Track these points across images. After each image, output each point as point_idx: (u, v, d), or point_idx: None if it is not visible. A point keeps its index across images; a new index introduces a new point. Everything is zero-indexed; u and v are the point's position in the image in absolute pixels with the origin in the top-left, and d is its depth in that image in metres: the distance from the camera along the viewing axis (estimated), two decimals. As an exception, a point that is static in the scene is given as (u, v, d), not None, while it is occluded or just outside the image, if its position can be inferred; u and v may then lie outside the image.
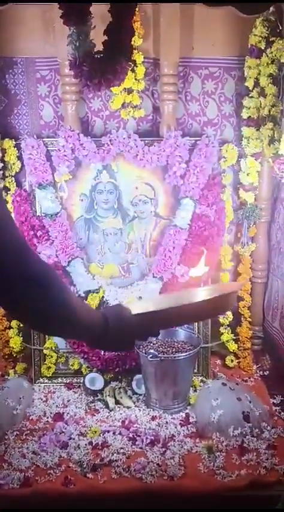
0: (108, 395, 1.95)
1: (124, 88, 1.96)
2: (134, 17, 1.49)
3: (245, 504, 1.52)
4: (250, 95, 1.94)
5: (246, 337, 2.19)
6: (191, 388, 1.99)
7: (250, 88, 1.93)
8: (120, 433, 1.75)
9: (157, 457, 1.63)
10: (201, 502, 1.51)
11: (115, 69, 1.09)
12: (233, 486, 1.53)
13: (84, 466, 1.59)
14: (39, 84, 2.05)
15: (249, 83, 1.93)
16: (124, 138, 1.98)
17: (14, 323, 2.14)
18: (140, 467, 1.58)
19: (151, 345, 1.96)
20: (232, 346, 2.18)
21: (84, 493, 1.51)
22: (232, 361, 2.18)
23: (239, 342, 2.19)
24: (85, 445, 1.69)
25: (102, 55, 1.13)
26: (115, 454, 1.64)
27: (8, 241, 0.85)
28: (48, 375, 2.09)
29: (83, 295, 2.02)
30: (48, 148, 2.01)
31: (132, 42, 1.25)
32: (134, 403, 1.94)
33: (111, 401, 1.93)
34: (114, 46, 1.09)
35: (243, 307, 2.19)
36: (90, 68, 1.09)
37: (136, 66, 1.94)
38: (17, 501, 1.50)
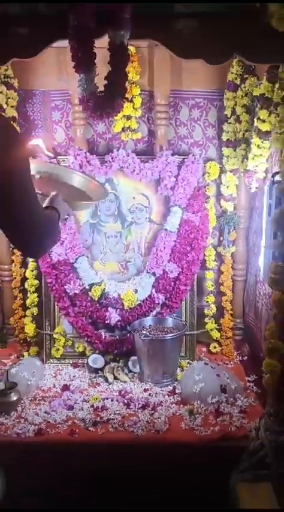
0: (108, 372, 2.30)
1: (124, 115, 2.35)
2: (130, 63, 1.88)
3: (217, 453, 1.85)
4: (228, 121, 2.32)
5: (228, 327, 2.54)
6: (179, 368, 2.34)
7: (228, 116, 2.31)
8: (117, 400, 2.10)
9: (147, 417, 1.98)
10: (180, 450, 1.85)
11: (113, 105, 1.48)
12: (208, 439, 1.87)
13: (87, 422, 1.94)
14: (54, 112, 2.46)
15: (227, 112, 2.31)
16: (123, 156, 2.37)
17: (28, 312, 2.51)
18: (132, 423, 1.93)
19: (145, 329, 2.31)
20: (216, 334, 2.53)
21: (86, 441, 1.86)
22: (215, 347, 2.52)
23: (222, 332, 2.53)
24: (88, 407, 2.04)
25: (103, 94, 1.53)
26: (112, 415, 1.99)
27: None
28: (57, 356, 2.44)
29: (88, 287, 2.38)
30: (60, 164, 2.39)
31: (127, 83, 1.63)
32: (130, 378, 2.28)
33: (110, 377, 2.27)
34: (112, 88, 1.49)
35: (225, 301, 2.54)
36: (94, 104, 1.48)
37: (134, 97, 2.35)
38: (31, 446, 1.85)
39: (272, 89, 1.76)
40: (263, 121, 1.85)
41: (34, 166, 1.75)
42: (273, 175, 1.72)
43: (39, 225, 1.27)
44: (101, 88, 1.54)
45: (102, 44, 1.53)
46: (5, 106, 2.28)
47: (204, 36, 1.51)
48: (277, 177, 1.66)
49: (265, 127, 1.85)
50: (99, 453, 1.85)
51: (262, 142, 1.91)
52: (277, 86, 1.70)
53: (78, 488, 1.82)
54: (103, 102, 1.50)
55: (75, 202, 1.71)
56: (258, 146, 1.94)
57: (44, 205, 1.49)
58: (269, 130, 1.84)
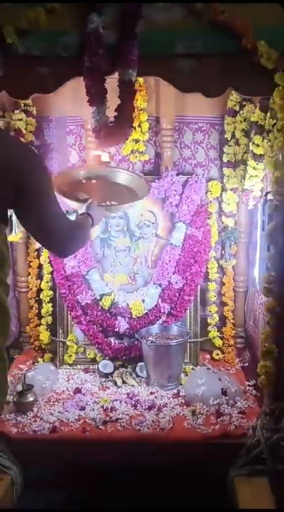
0: (117, 376, 2.47)
1: (133, 139, 2.56)
2: (138, 91, 2.09)
3: (217, 449, 2.00)
4: (228, 144, 2.51)
5: (230, 336, 2.70)
6: (183, 373, 2.50)
7: (229, 139, 2.50)
8: (125, 402, 2.26)
9: (153, 417, 2.14)
10: (183, 446, 2.00)
11: (122, 134, 1.68)
12: (208, 436, 2.02)
13: (97, 421, 2.11)
14: (68, 136, 2.67)
15: (228, 135, 2.50)
16: (132, 176, 2.57)
17: (43, 321, 2.70)
18: (139, 422, 2.09)
19: (151, 336, 2.48)
20: (218, 342, 2.69)
21: (97, 438, 2.02)
22: (217, 354, 2.68)
23: (224, 340, 2.69)
24: (98, 408, 2.21)
25: (113, 124, 1.73)
26: (120, 415, 2.15)
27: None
28: (69, 362, 2.62)
29: (98, 297, 2.56)
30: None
31: (136, 109, 1.83)
32: (137, 382, 2.45)
33: (119, 381, 2.44)
34: (121, 119, 1.69)
35: (227, 311, 2.71)
36: (105, 132, 1.69)
37: (142, 123, 2.55)
38: (46, 442, 2.02)
39: (264, 117, 1.96)
40: (258, 145, 2.04)
41: (83, 172, 1.98)
42: (266, 194, 1.90)
43: (62, 231, 1.49)
44: (111, 114, 1.76)
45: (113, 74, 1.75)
46: (24, 131, 2.50)
47: (201, 73, 1.72)
48: (269, 196, 1.84)
49: (259, 151, 2.04)
50: (108, 449, 2.01)
51: (257, 164, 2.10)
52: (268, 114, 1.89)
53: (89, 480, 1.98)
54: (114, 131, 1.71)
55: (111, 207, 1.93)
56: (254, 168, 2.13)
57: (81, 211, 1.73)
58: (262, 153, 2.03)
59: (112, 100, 1.77)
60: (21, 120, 2.47)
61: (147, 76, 1.93)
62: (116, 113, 1.73)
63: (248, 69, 1.69)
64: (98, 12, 1.70)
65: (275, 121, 1.79)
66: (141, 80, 2.45)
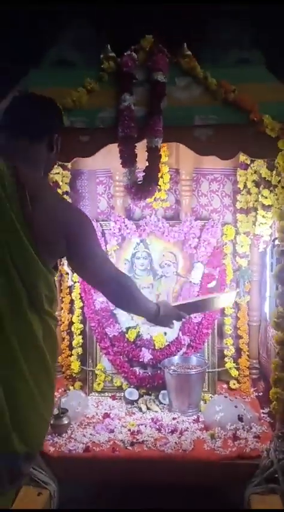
0: (142, 403, 2.71)
1: (156, 188, 2.89)
2: (161, 152, 2.43)
3: (234, 469, 2.21)
4: (241, 193, 2.82)
5: (245, 366, 2.92)
6: (202, 401, 2.72)
7: (241, 188, 2.81)
8: (150, 426, 2.49)
9: (175, 439, 2.36)
10: (203, 466, 2.22)
11: (149, 191, 2.00)
12: (226, 456, 2.24)
13: (125, 442, 2.34)
14: (98, 186, 3.02)
15: (240, 185, 2.81)
16: (155, 221, 2.88)
17: (74, 351, 2.97)
18: (163, 444, 2.32)
19: (173, 366, 2.73)
20: (234, 373, 2.91)
21: (125, 457, 2.25)
22: (234, 384, 2.90)
23: (240, 370, 2.92)
24: (126, 431, 2.44)
25: (142, 182, 2.06)
26: (146, 437, 2.38)
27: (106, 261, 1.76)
28: (98, 390, 2.87)
29: (124, 330, 2.84)
30: (103, 228, 2.91)
31: (159, 171, 2.16)
32: (160, 409, 2.68)
33: (143, 407, 2.68)
34: (148, 179, 2.02)
35: (242, 343, 2.95)
36: (135, 190, 2.01)
37: (164, 174, 2.89)
38: (81, 460, 2.26)
39: (271, 174, 2.26)
40: (266, 197, 2.34)
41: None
42: (273, 240, 2.19)
43: (108, 287, 1.77)
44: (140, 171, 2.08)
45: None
46: (60, 183, 2.85)
47: (216, 140, 2.05)
48: (276, 241, 2.13)
49: (267, 202, 2.34)
50: (135, 467, 2.24)
51: (266, 213, 2.40)
52: (274, 172, 2.20)
53: (118, 495, 2.20)
54: (143, 188, 2.04)
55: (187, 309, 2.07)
56: (263, 216, 2.42)
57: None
58: (270, 204, 2.32)
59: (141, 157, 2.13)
60: (58, 173, 2.83)
61: (170, 142, 2.26)
62: (144, 173, 2.06)
63: (256, 137, 2.02)
64: (129, 91, 2.06)
65: (279, 178, 2.10)
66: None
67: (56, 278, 2.82)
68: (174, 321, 1.97)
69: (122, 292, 1.77)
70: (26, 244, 1.53)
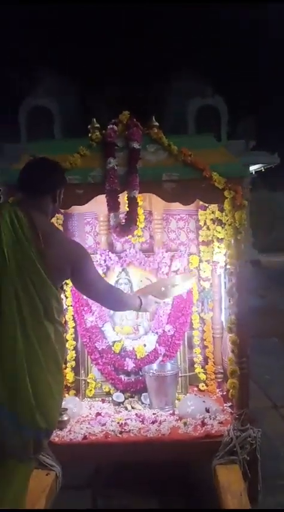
0: (127, 403, 3.27)
1: (133, 227, 3.55)
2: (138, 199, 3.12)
3: (203, 446, 2.79)
4: (202, 229, 3.51)
5: (211, 371, 3.53)
6: (177, 400, 3.30)
7: (202, 225, 3.50)
8: (134, 419, 3.05)
9: (155, 427, 2.93)
10: (178, 445, 2.80)
11: (130, 230, 2.67)
12: (196, 437, 2.82)
13: (115, 431, 2.90)
14: (86, 225, 3.66)
15: (201, 223, 3.50)
16: (134, 253, 3.52)
17: (69, 364, 3.52)
18: (146, 431, 2.89)
19: (151, 371, 3.32)
20: (202, 377, 3.52)
21: (116, 442, 2.81)
22: (202, 386, 3.50)
23: (207, 374, 3.53)
24: (115, 424, 3.00)
25: (124, 223, 2.72)
26: (132, 427, 2.94)
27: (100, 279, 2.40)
28: (90, 395, 3.41)
29: (111, 343, 3.42)
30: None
31: (138, 216, 2.83)
32: (143, 407, 3.25)
33: (129, 407, 3.24)
34: (129, 221, 2.69)
35: (208, 352, 3.56)
36: (119, 229, 2.67)
37: (139, 215, 3.55)
38: (80, 445, 2.80)
39: (221, 215, 2.96)
40: (219, 232, 3.03)
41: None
42: (226, 265, 2.86)
43: (102, 289, 2.40)
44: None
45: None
46: (56, 224, 3.48)
47: (179, 191, 2.74)
48: (227, 266, 2.80)
49: (220, 235, 3.03)
50: (125, 450, 2.79)
51: (220, 244, 3.08)
52: (223, 213, 2.90)
53: (112, 472, 2.74)
54: (125, 228, 2.69)
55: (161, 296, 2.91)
56: (218, 247, 3.11)
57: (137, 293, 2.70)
58: (223, 237, 3.01)
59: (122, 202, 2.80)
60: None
61: (144, 193, 2.95)
62: (126, 216, 2.72)
63: (208, 188, 2.72)
64: (113, 156, 2.75)
65: (227, 218, 2.80)
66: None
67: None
68: (153, 306, 2.77)
69: (113, 299, 2.44)
70: (41, 271, 2.13)
